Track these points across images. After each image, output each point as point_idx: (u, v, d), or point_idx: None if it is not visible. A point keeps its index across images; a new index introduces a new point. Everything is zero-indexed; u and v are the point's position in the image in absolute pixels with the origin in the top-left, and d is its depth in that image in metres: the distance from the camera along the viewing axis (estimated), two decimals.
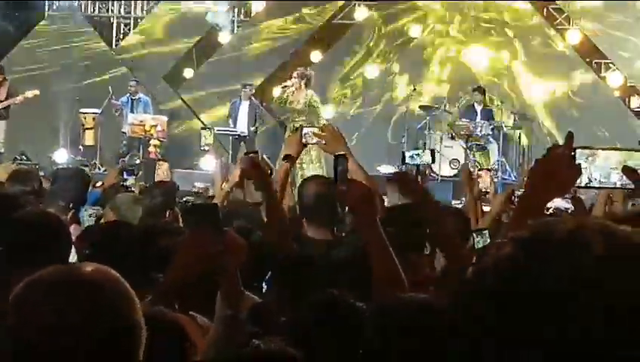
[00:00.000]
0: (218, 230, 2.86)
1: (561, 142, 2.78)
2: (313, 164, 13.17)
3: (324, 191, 4.83)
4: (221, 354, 2.91)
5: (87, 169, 13.64)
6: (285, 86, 14.02)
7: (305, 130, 5.16)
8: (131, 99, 16.47)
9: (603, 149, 2.80)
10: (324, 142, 5.02)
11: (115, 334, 1.85)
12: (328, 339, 3.02)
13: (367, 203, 3.28)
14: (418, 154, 6.32)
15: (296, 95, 13.78)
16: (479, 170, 11.15)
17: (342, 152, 4.37)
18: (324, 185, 4.93)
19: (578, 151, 2.68)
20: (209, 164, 14.55)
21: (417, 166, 6.37)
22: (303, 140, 5.13)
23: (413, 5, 17.79)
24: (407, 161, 6.17)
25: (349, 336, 3.03)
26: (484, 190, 6.45)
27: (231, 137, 16.04)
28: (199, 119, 17.93)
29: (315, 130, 5.16)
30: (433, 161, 6.92)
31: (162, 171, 15.33)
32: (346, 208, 3.43)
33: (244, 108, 16.15)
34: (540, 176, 2.63)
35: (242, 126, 15.98)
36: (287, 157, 5.34)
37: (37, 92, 15.53)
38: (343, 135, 5.09)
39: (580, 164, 2.69)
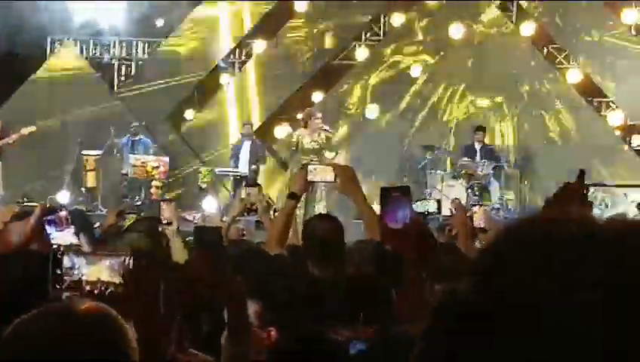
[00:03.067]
0: (221, 253, 2.84)
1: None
2: (317, 203, 13.05)
3: (332, 230, 4.75)
4: None
5: (84, 209, 13.63)
6: (298, 135, 13.81)
7: (310, 168, 4.96)
8: (131, 140, 16.48)
9: (602, 186, 2.81)
10: (325, 181, 4.85)
11: None
12: None
13: (424, 247, 3.24)
14: (425, 200, 6.38)
15: (307, 136, 13.64)
16: (473, 205, 11.04)
17: (354, 193, 4.30)
18: (332, 224, 4.83)
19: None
20: (210, 204, 14.56)
21: (424, 213, 6.39)
22: (309, 178, 4.93)
23: (413, 45, 17.88)
24: (414, 209, 6.16)
25: None
26: (480, 226, 6.25)
27: (232, 177, 16.02)
28: (199, 158, 17.96)
29: (321, 167, 4.96)
30: (439, 210, 7.08)
31: (168, 212, 15.27)
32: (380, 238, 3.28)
33: (245, 147, 16.16)
34: (553, 213, 2.60)
35: (243, 165, 15.96)
36: (292, 195, 5.14)
37: (33, 128, 15.44)
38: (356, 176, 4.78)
39: (592, 201, 2.70)
